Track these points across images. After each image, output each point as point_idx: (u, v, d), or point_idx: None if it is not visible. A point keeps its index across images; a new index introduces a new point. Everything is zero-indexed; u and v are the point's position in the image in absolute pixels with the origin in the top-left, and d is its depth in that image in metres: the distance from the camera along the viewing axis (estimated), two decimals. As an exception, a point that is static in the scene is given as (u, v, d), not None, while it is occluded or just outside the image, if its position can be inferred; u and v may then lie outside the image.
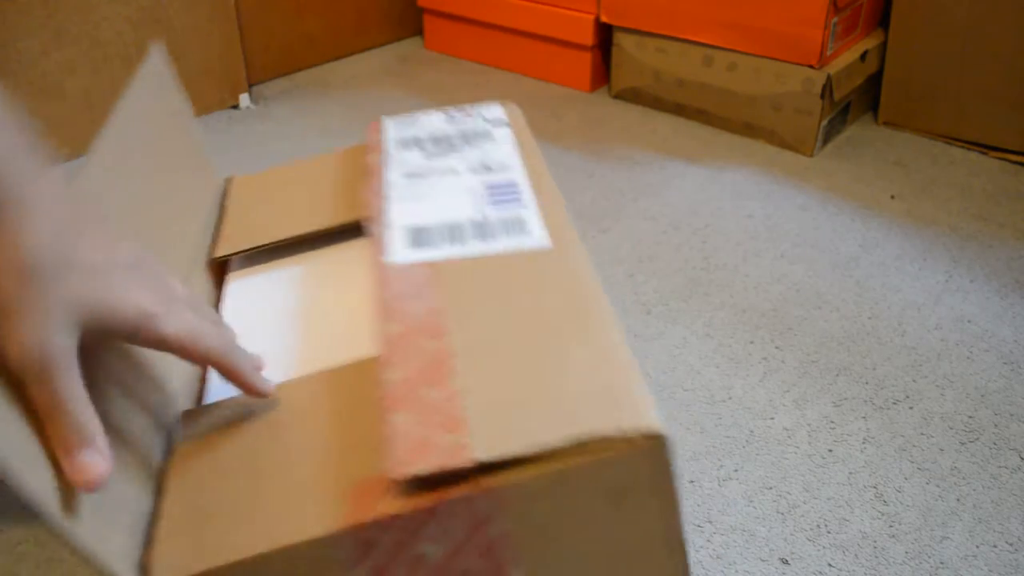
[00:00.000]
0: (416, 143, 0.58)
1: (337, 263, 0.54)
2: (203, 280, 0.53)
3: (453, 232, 0.48)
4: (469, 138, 0.58)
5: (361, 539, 0.34)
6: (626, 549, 0.38)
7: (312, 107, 1.57)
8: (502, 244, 0.46)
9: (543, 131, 1.48)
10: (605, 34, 1.59)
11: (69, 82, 1.34)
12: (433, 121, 0.61)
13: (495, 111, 0.61)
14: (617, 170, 1.33)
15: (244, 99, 1.57)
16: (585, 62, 1.61)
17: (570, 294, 0.43)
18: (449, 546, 0.35)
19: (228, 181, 0.62)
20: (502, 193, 0.51)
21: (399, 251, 0.47)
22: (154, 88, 0.57)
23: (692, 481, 0.77)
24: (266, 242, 0.55)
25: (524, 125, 0.60)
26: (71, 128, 1.35)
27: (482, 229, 0.48)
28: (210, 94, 1.53)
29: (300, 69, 1.74)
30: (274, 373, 0.45)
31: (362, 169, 0.57)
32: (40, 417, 0.33)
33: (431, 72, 1.73)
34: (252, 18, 1.60)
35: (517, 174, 0.53)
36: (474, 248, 0.46)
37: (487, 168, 0.54)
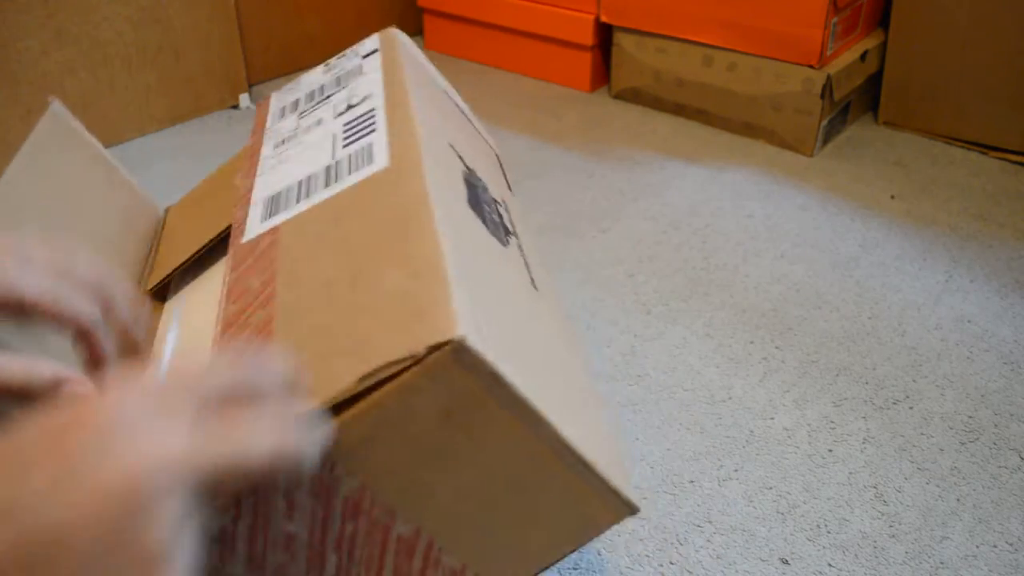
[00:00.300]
0: (293, 107, 0.55)
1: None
2: (146, 312, 0.52)
3: (303, 188, 0.45)
4: (342, 80, 0.54)
5: (215, 533, 0.33)
6: (514, 470, 0.35)
7: (312, 107, 1.57)
8: (348, 181, 0.43)
9: (543, 131, 1.48)
10: (605, 34, 1.59)
11: (69, 82, 1.34)
12: (312, 77, 0.58)
13: (370, 43, 0.57)
14: (617, 170, 1.33)
15: (244, 99, 1.57)
16: (585, 62, 1.61)
17: (394, 214, 0.39)
18: (308, 520, 0.34)
19: (167, 211, 0.61)
20: (358, 127, 0.48)
21: (253, 227, 0.44)
22: (53, 141, 0.55)
23: (692, 481, 0.77)
24: (182, 260, 0.52)
25: (404, 47, 0.56)
26: (71, 128, 1.35)
27: (332, 173, 0.45)
28: (210, 94, 1.53)
29: (300, 69, 1.74)
30: None
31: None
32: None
33: (431, 72, 1.73)
34: (252, 18, 1.60)
35: (376, 101, 0.49)
36: (321, 196, 0.43)
37: (350, 106, 0.50)
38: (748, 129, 1.43)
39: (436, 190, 0.40)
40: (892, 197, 1.26)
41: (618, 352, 0.93)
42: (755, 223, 1.19)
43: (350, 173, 0.44)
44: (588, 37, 1.57)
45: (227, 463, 0.26)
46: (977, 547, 0.71)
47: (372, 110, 0.48)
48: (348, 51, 0.59)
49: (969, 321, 0.98)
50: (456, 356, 0.31)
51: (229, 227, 0.51)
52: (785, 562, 0.70)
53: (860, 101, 1.47)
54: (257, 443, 0.27)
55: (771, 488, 0.77)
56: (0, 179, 0.49)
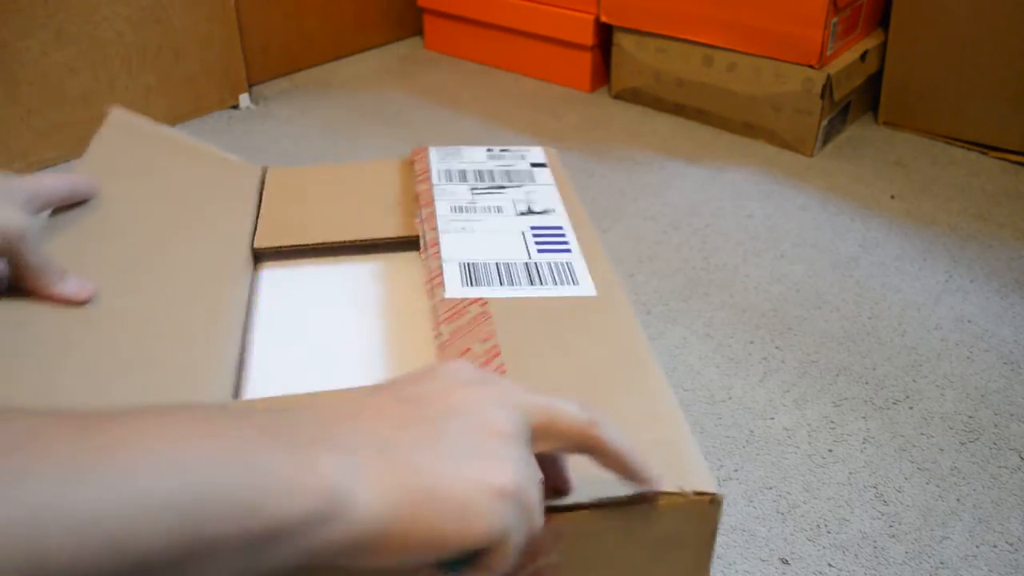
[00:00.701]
0: (461, 176, 0.60)
1: (386, 275, 0.55)
2: (248, 266, 0.53)
3: (504, 272, 0.50)
4: (512, 177, 0.60)
5: None
6: None
7: (312, 107, 1.57)
8: (551, 290, 0.48)
9: (543, 131, 1.48)
10: (605, 34, 1.59)
11: (69, 82, 1.34)
12: (476, 156, 0.63)
13: (536, 154, 0.64)
14: (617, 170, 1.33)
15: (244, 99, 1.57)
16: (585, 62, 1.61)
17: (618, 343, 0.44)
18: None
19: (265, 171, 0.62)
20: (549, 237, 0.53)
21: (453, 286, 0.48)
22: (118, 138, 0.59)
23: (692, 481, 0.77)
24: (313, 241, 0.55)
25: (562, 168, 0.62)
26: (70, 128, 1.35)
27: (531, 272, 0.50)
28: (210, 94, 1.53)
29: (300, 69, 1.74)
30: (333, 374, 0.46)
31: (410, 193, 0.59)
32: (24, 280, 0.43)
33: (431, 72, 1.73)
34: (252, 18, 1.60)
35: (562, 219, 0.55)
36: (524, 291, 0.48)
37: (531, 210, 0.56)
38: (748, 129, 1.43)
39: (641, 327, 0.46)
40: (892, 197, 1.26)
41: (618, 352, 0.93)
42: (755, 223, 1.19)
43: (554, 284, 0.49)
44: (588, 37, 1.57)
45: (548, 413, 0.33)
46: (977, 547, 0.71)
47: (560, 228, 0.54)
48: (512, 149, 0.65)
49: (969, 321, 0.98)
50: (708, 507, 0.36)
51: (372, 240, 0.55)
52: (785, 562, 0.70)
53: (860, 101, 1.47)
54: (571, 410, 0.33)
55: (771, 488, 0.77)
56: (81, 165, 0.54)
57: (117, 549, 0.23)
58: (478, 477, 0.29)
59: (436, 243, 0.52)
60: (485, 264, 0.50)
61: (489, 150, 0.64)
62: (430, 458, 0.29)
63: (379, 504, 0.28)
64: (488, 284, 0.48)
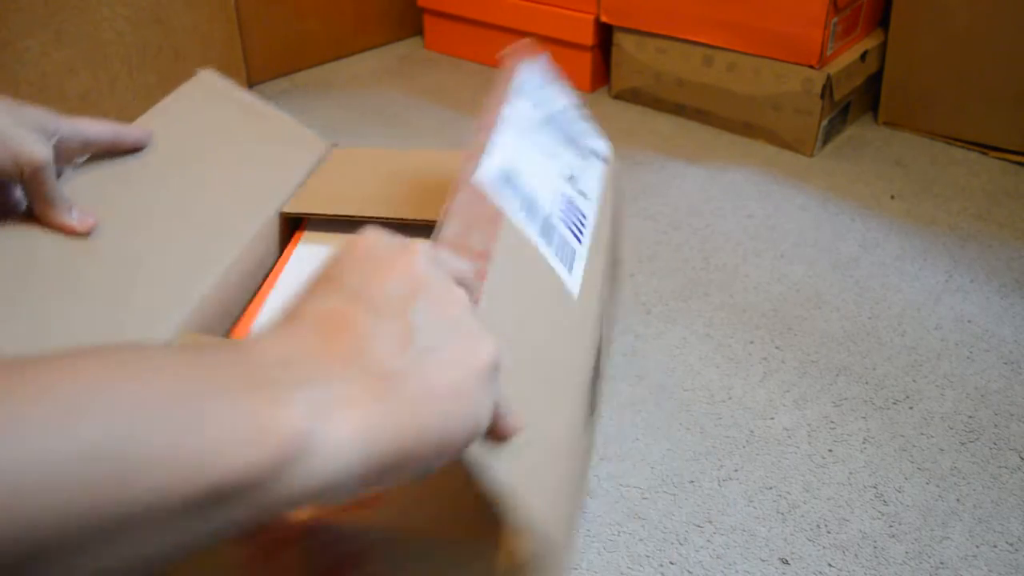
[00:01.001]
0: (538, 104, 0.58)
1: None
2: (272, 230, 0.54)
3: (530, 206, 0.48)
4: (580, 147, 0.59)
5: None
6: None
7: (312, 107, 1.57)
8: (551, 261, 0.48)
9: (543, 131, 1.47)
10: (605, 34, 1.59)
11: (69, 82, 1.34)
12: (556, 99, 0.61)
13: (604, 147, 0.63)
14: (617, 170, 1.33)
15: (244, 99, 1.57)
16: (585, 62, 1.61)
17: (562, 349, 0.43)
18: (318, 569, 0.36)
19: (330, 148, 0.63)
20: (575, 217, 0.52)
21: (488, 174, 0.47)
22: (195, 94, 0.62)
23: (692, 481, 0.77)
24: (335, 213, 0.56)
25: (616, 172, 0.62)
26: (71, 128, 1.35)
27: (547, 231, 0.49)
28: (210, 94, 1.53)
29: (300, 69, 1.74)
30: None
31: (478, 121, 0.58)
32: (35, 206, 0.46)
33: (431, 72, 1.73)
34: (252, 18, 1.60)
35: (591, 211, 0.54)
36: (533, 237, 0.47)
37: (575, 186, 0.55)
38: (748, 129, 1.43)
39: (591, 360, 0.46)
40: (892, 197, 1.26)
41: (618, 352, 0.93)
42: (755, 223, 1.19)
43: (554, 257, 0.48)
44: (588, 37, 1.57)
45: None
46: (977, 547, 0.71)
47: (586, 217, 0.54)
48: (592, 124, 0.64)
49: (969, 321, 0.98)
50: (532, 558, 0.34)
51: (398, 219, 0.55)
52: (785, 562, 0.70)
53: (860, 101, 1.47)
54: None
55: (771, 488, 0.77)
56: (140, 119, 0.56)
57: (12, 518, 0.18)
58: (466, 360, 0.27)
59: (490, 139, 0.50)
60: (517, 187, 0.48)
61: (570, 103, 0.62)
62: (412, 360, 0.27)
63: (365, 431, 0.25)
64: (511, 203, 0.47)
